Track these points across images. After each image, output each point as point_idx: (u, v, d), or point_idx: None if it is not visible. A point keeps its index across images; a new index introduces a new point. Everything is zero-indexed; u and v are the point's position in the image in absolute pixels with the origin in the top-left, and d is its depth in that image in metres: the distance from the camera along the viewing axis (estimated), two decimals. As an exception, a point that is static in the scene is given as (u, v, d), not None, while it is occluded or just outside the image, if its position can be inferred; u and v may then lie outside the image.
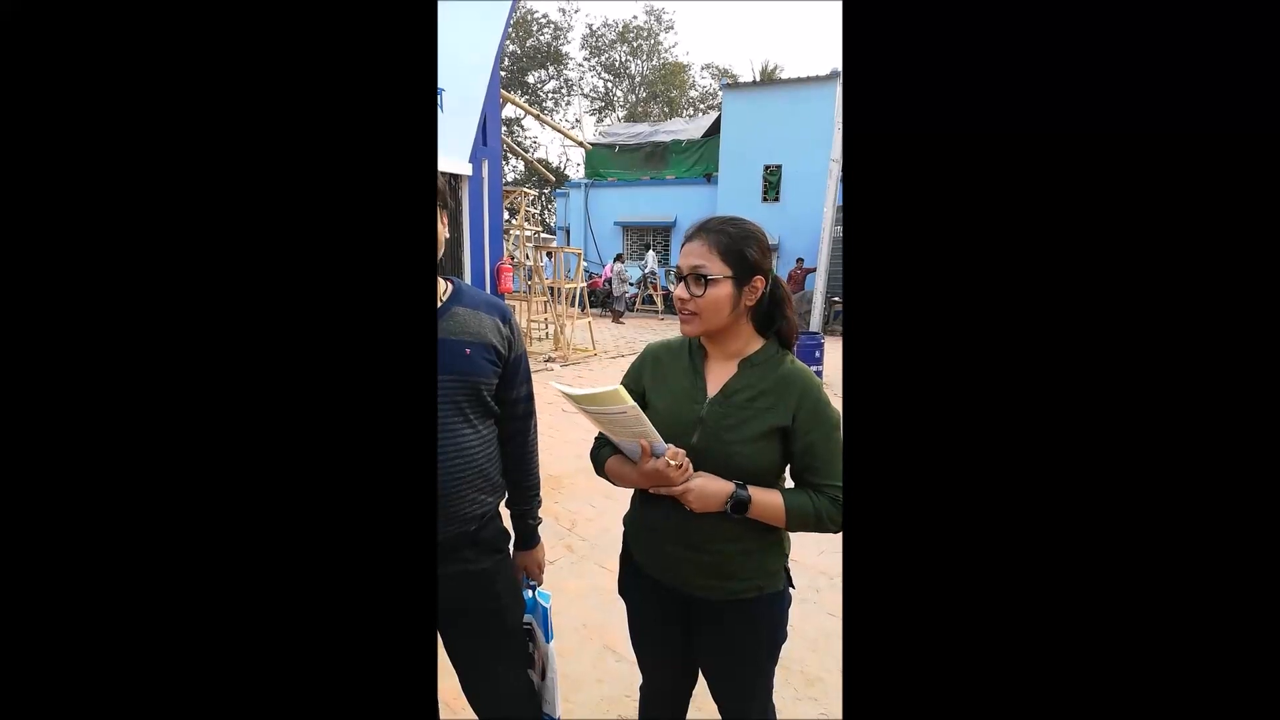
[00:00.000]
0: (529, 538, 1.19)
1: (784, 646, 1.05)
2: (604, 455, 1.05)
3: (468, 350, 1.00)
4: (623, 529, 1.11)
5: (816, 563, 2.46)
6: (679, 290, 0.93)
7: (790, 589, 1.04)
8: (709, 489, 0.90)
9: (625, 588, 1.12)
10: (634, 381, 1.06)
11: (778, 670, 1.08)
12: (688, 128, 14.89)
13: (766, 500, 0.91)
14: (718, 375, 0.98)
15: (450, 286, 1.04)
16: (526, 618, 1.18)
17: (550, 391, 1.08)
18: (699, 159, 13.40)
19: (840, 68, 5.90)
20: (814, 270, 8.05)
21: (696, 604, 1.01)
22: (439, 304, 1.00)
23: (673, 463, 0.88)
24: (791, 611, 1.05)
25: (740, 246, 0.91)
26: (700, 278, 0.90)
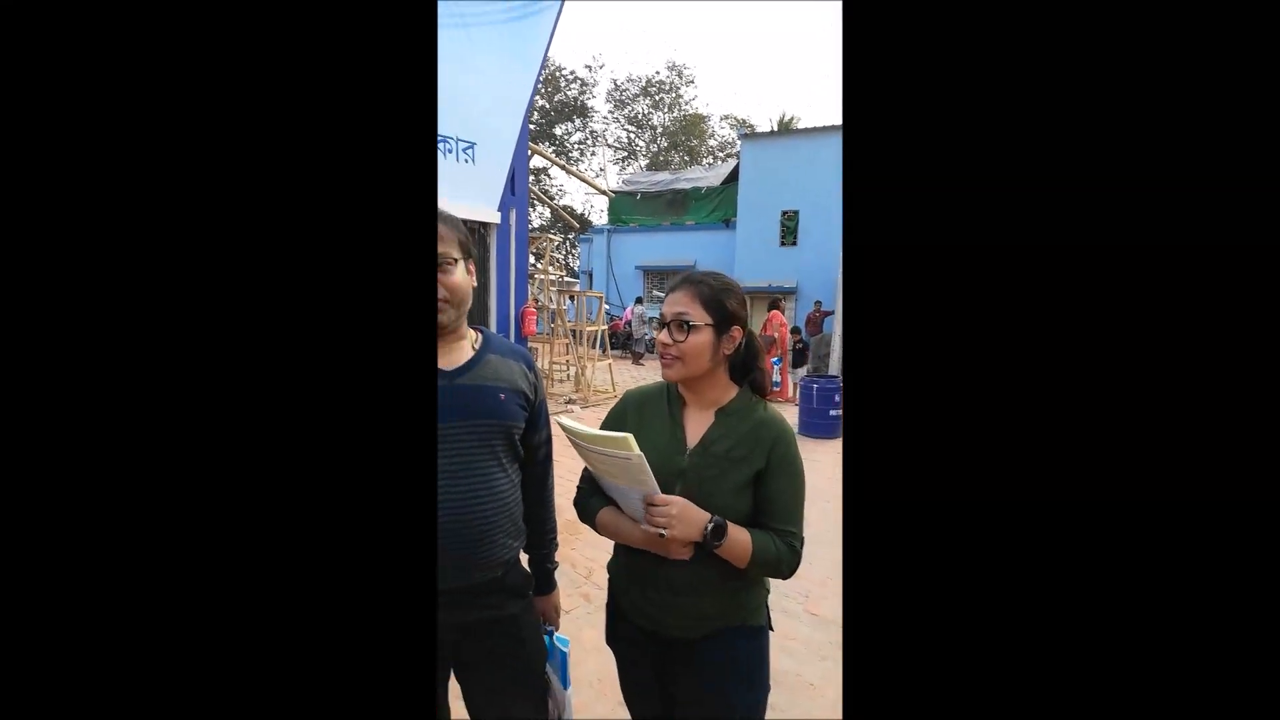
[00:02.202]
0: (546, 582, 1.21)
1: (769, 699, 1.03)
2: (594, 506, 1.05)
3: (502, 395, 1.05)
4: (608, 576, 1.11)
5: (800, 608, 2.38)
6: (663, 335, 0.97)
7: (770, 630, 1.04)
8: (689, 515, 0.91)
9: (612, 636, 1.12)
10: (616, 428, 1.05)
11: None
12: (707, 175, 15.27)
13: (738, 535, 0.93)
14: (696, 425, 1.01)
15: (480, 335, 1.10)
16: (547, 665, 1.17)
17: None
18: (718, 205, 13.68)
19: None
20: (831, 313, 8.05)
21: (676, 645, 1.01)
22: (472, 352, 1.06)
23: (673, 513, 0.89)
24: (776, 663, 1.03)
25: (720, 297, 0.97)
26: (683, 324, 0.95)
